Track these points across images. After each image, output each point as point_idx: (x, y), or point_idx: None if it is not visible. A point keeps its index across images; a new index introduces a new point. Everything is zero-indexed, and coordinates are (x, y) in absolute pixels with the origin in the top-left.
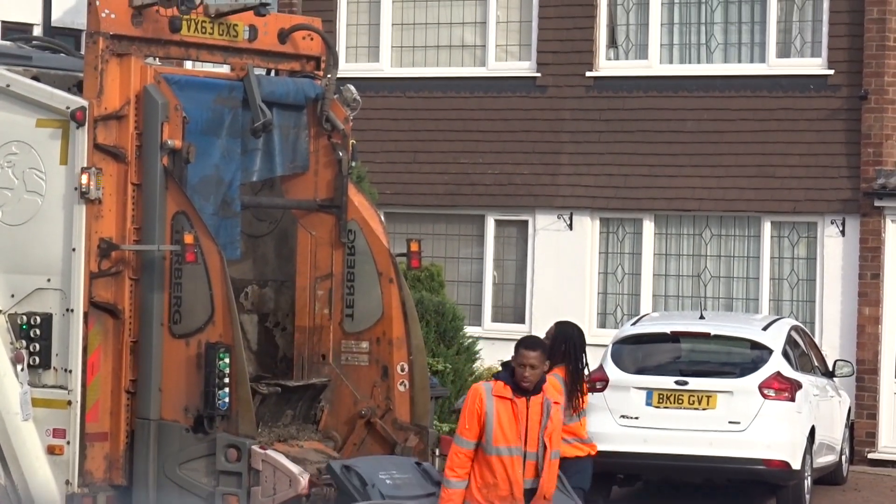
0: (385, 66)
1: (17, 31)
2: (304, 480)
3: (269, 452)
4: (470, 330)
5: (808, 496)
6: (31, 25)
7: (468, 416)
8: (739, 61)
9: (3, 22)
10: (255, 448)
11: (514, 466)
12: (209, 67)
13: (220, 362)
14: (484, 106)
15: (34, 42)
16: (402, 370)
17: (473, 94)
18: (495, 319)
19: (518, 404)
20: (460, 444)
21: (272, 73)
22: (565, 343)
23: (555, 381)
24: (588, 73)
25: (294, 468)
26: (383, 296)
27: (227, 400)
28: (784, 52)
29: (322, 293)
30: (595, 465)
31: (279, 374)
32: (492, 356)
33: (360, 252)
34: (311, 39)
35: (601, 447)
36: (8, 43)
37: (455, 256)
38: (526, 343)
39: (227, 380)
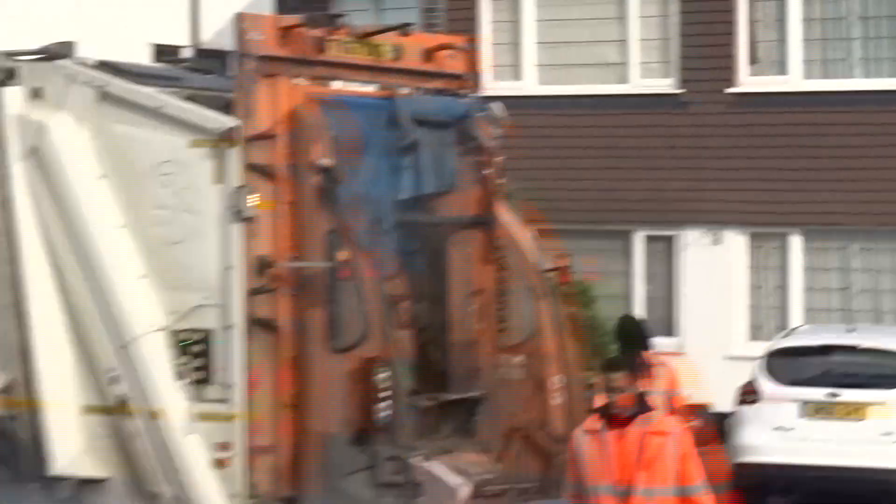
0: (529, 85)
1: (168, 53)
2: (465, 492)
3: (430, 464)
4: None
5: None
6: (181, 47)
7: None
8: (881, 76)
9: (154, 45)
10: (416, 460)
11: None
12: (356, 87)
13: (379, 377)
14: (628, 123)
15: (185, 64)
16: (557, 384)
17: (617, 111)
18: None
19: (607, 437)
20: (565, 487)
21: (418, 92)
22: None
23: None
24: (729, 90)
25: (455, 480)
26: (535, 311)
27: (386, 413)
28: None
29: (475, 308)
30: (749, 476)
31: (436, 387)
32: None
33: (511, 268)
34: (456, 58)
35: (755, 459)
36: (160, 65)
37: (604, 271)
38: (606, 364)
39: (385, 394)
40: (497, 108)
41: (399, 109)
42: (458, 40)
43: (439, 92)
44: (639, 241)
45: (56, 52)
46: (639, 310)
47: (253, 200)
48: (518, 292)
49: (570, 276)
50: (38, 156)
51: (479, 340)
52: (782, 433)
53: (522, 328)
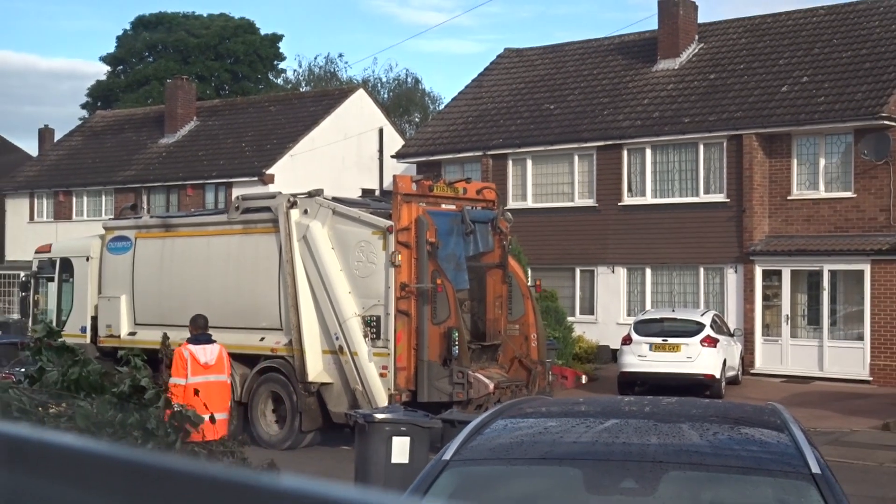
0: (529, 202)
1: (367, 193)
2: (491, 385)
3: (476, 374)
4: (570, 318)
5: (723, 391)
6: (373, 189)
7: None
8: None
9: (362, 189)
10: (469, 372)
11: None
12: (447, 206)
13: (454, 335)
14: (574, 219)
15: (371, 197)
16: (535, 337)
17: (568, 215)
18: (581, 313)
19: None
20: None
21: (474, 208)
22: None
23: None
24: (619, 203)
25: (487, 380)
26: (524, 304)
27: (457, 351)
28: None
29: (498, 303)
30: (626, 378)
31: (479, 339)
32: (579, 330)
33: (514, 286)
34: (492, 191)
35: (629, 370)
36: (362, 198)
37: (561, 286)
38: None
39: (456, 342)
40: (508, 215)
41: (465, 216)
42: (493, 185)
43: (484, 207)
44: (577, 272)
45: (314, 193)
46: (577, 303)
47: (399, 258)
48: (517, 296)
49: (541, 288)
50: (305, 240)
51: (499, 318)
52: (641, 358)
53: (518, 312)
